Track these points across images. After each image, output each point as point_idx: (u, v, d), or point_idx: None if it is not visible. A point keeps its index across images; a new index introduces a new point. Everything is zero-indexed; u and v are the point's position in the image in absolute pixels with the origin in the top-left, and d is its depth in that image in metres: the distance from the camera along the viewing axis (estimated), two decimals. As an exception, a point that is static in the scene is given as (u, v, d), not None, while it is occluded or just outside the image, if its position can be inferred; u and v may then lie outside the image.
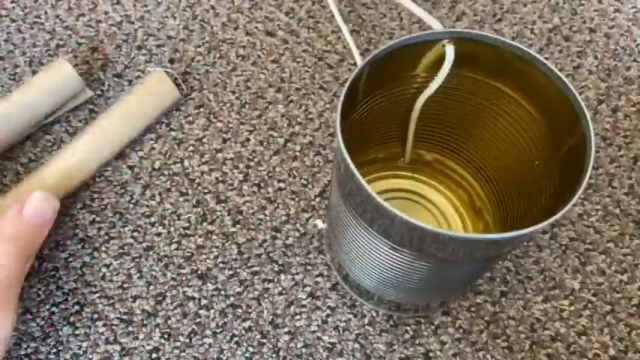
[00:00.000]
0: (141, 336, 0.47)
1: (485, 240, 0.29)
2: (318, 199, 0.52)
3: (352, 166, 0.30)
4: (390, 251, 0.35)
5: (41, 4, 0.61)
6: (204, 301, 0.48)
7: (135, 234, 0.51)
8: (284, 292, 0.49)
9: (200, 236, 0.51)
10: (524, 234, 0.29)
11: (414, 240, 0.32)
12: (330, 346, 0.47)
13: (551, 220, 0.29)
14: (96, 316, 0.48)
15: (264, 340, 0.47)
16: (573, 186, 0.32)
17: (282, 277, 0.49)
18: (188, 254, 0.50)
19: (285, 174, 0.54)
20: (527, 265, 0.50)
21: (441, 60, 0.37)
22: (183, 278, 0.49)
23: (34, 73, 0.57)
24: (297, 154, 0.54)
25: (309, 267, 0.50)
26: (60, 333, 0.47)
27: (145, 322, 0.47)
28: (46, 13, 0.61)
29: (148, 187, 0.53)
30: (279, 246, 0.50)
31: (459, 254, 0.32)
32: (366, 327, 0.48)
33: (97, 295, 0.48)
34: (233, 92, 0.57)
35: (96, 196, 0.52)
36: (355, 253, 0.39)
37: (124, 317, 0.47)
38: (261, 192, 0.53)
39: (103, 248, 0.50)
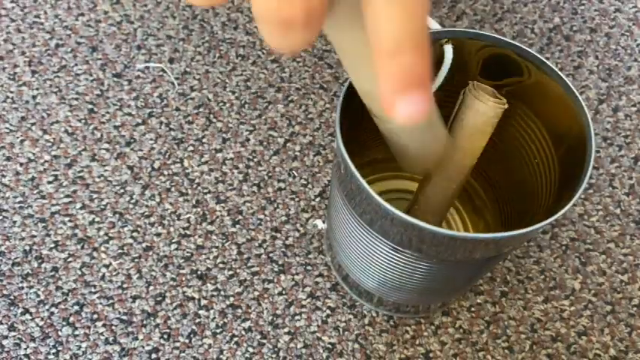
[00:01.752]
0: (140, 336, 0.47)
1: (485, 240, 0.29)
2: (318, 199, 0.52)
3: (352, 166, 0.30)
4: (391, 252, 0.35)
5: (41, 3, 0.61)
6: (204, 302, 0.48)
7: (134, 234, 0.50)
8: (284, 292, 0.49)
9: (200, 236, 0.51)
10: (524, 233, 0.29)
11: (413, 240, 0.31)
12: (330, 346, 0.47)
13: (552, 219, 0.29)
14: (95, 316, 0.47)
15: (264, 341, 0.47)
16: (573, 186, 0.31)
17: (282, 277, 0.49)
18: (188, 254, 0.50)
19: (285, 174, 0.53)
20: (528, 266, 0.50)
21: (440, 60, 0.37)
22: (183, 278, 0.49)
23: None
24: (297, 154, 0.54)
25: (309, 267, 0.50)
26: (59, 333, 0.47)
27: (144, 322, 0.47)
28: (45, 12, 0.61)
29: (148, 187, 0.52)
30: (279, 246, 0.50)
31: (459, 254, 0.32)
32: (366, 327, 0.48)
33: (97, 295, 0.48)
34: (233, 92, 0.57)
35: (95, 196, 0.52)
36: (355, 253, 0.39)
37: (124, 317, 0.47)
38: (261, 192, 0.53)
39: (103, 248, 0.50)
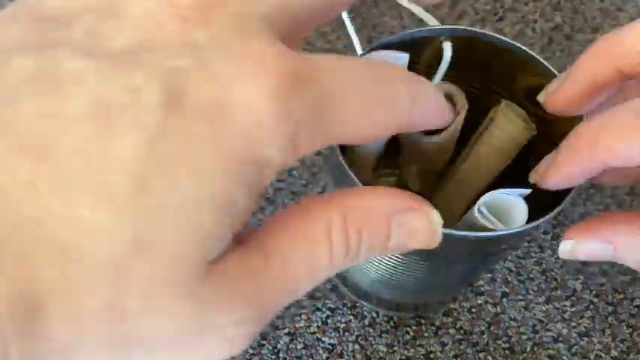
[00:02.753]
0: (140, 337, 0.47)
1: (480, 237, 0.29)
2: (317, 200, 0.52)
3: (347, 166, 0.30)
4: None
5: (41, 4, 0.61)
6: (203, 302, 0.48)
7: (134, 235, 0.50)
8: (283, 292, 0.49)
9: (199, 237, 0.50)
10: (521, 231, 0.29)
11: None
12: (330, 347, 0.47)
13: (546, 218, 0.29)
14: (95, 317, 0.47)
15: (264, 342, 0.47)
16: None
17: (282, 277, 0.49)
18: (187, 255, 0.50)
19: (285, 174, 0.53)
20: (529, 266, 0.50)
21: (439, 59, 0.37)
22: (183, 279, 0.49)
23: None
24: (297, 154, 0.54)
25: (308, 268, 0.49)
26: (59, 334, 0.47)
27: (144, 323, 0.47)
28: (46, 13, 0.61)
29: (148, 187, 0.52)
30: (278, 247, 0.50)
31: (457, 250, 0.32)
32: (367, 328, 0.47)
33: (96, 296, 0.48)
34: (233, 92, 0.57)
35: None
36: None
37: (123, 318, 0.47)
38: (260, 192, 0.52)
39: (102, 249, 0.50)
